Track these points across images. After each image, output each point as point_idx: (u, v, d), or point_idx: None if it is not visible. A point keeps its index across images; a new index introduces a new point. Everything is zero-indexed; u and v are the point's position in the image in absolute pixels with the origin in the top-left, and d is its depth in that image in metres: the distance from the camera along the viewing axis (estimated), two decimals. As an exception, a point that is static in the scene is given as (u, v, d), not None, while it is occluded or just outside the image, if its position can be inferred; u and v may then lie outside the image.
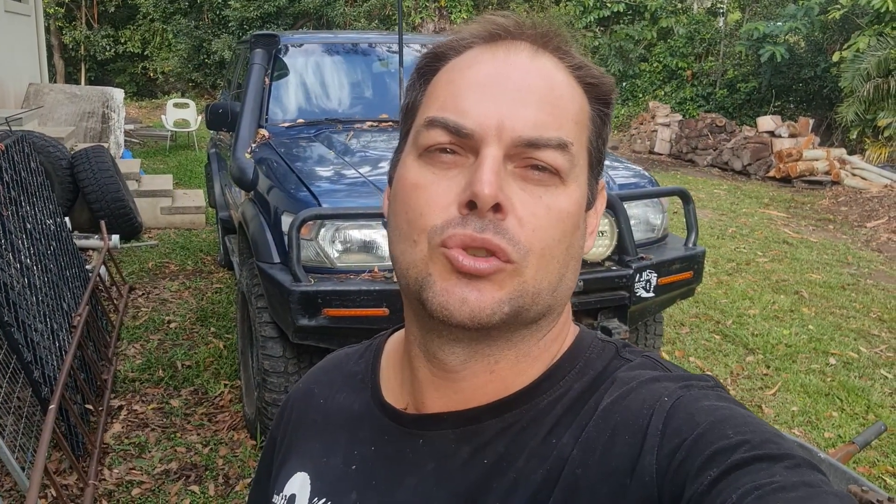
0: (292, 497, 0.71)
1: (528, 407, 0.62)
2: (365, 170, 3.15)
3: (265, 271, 2.80)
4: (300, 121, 4.04)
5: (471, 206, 0.56)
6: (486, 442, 0.62)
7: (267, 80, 4.01)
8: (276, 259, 2.86)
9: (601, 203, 0.69)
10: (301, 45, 4.44)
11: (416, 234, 0.59)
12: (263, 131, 3.81)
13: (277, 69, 4.21)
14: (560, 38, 0.63)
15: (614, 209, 2.88)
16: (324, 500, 0.68)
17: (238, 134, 3.46)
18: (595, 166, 0.65)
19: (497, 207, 0.56)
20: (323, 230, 2.70)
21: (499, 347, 0.62)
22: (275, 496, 0.74)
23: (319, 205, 2.76)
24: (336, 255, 2.72)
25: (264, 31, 4.31)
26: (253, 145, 3.55)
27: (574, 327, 0.69)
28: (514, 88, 0.59)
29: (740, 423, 0.53)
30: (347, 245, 2.74)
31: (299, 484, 0.71)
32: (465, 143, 0.58)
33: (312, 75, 4.32)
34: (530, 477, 0.59)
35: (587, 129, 0.63)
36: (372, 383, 0.73)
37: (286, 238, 2.70)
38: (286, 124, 4.00)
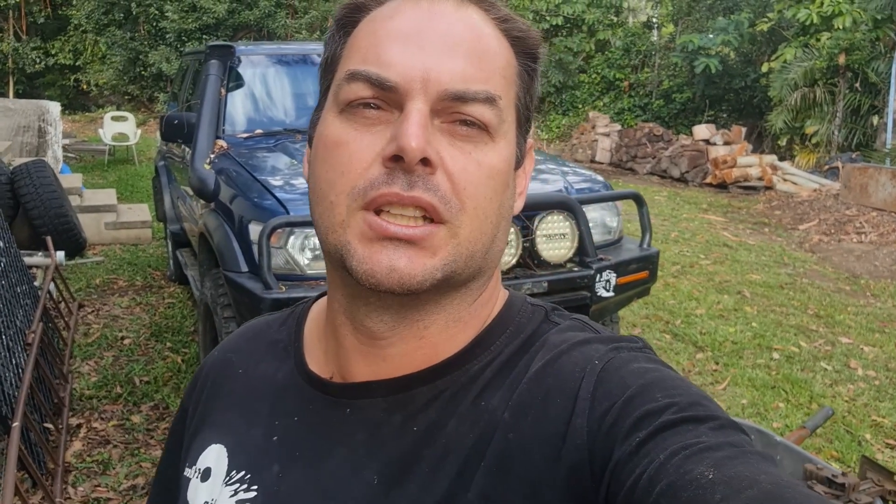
0: (207, 470, 0.67)
1: (459, 373, 0.61)
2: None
3: (233, 280, 2.80)
4: (258, 131, 4.04)
5: (396, 159, 0.53)
6: (417, 410, 0.60)
7: (223, 91, 4.00)
8: (244, 268, 2.86)
9: (530, 163, 0.67)
10: (256, 55, 4.44)
11: (334, 196, 0.56)
12: (221, 142, 3.79)
13: (232, 80, 4.20)
14: None
15: (574, 212, 2.98)
16: (242, 472, 0.64)
17: (196, 145, 3.44)
18: (524, 124, 0.62)
19: (425, 162, 0.53)
20: (292, 238, 2.72)
21: (428, 311, 0.60)
22: (186, 469, 0.69)
23: (287, 212, 2.79)
24: (306, 262, 2.75)
25: (220, 42, 4.29)
26: (212, 156, 3.54)
27: (503, 291, 0.67)
28: (440, 39, 0.56)
29: (668, 385, 0.54)
30: (316, 252, 2.77)
31: (215, 457, 0.67)
32: (388, 96, 0.55)
33: (269, 86, 4.32)
34: (461, 442, 0.57)
35: (515, 85, 0.60)
36: (296, 352, 0.69)
37: (255, 247, 2.71)
38: (244, 135, 4.00)
